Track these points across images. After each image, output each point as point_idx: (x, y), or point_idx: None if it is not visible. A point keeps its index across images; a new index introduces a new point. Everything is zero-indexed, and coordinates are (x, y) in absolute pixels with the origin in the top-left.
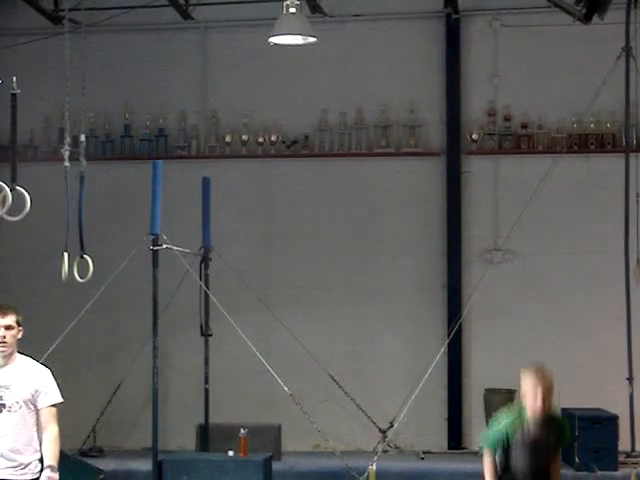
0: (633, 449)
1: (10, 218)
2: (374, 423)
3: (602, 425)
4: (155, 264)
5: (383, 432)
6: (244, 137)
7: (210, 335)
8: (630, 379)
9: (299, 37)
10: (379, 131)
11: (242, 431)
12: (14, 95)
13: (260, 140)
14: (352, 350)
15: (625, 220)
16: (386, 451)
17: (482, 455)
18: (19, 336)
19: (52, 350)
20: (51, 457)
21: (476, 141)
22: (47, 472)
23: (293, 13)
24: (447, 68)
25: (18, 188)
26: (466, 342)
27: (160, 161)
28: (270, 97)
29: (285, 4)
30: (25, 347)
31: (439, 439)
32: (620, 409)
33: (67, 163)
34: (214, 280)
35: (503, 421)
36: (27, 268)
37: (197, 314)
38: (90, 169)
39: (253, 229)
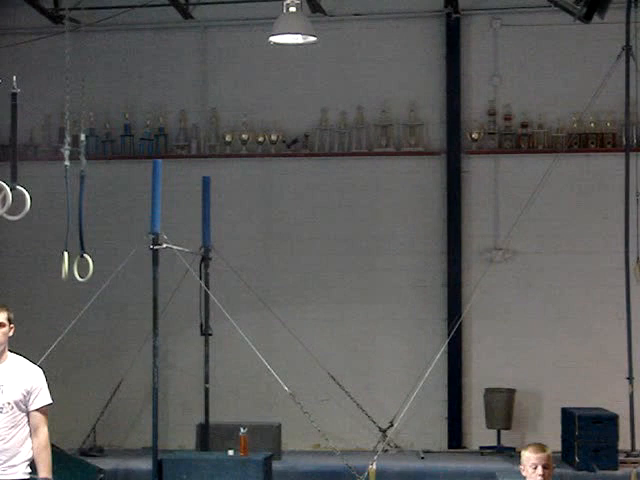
0: (633, 448)
1: (10, 217)
2: (374, 422)
3: (602, 424)
4: (155, 263)
5: (383, 431)
6: (244, 136)
7: (210, 334)
8: (630, 378)
9: (299, 36)
10: (379, 130)
11: (242, 430)
12: (14, 94)
13: (260, 139)
14: (352, 350)
15: (625, 219)
16: (386, 450)
17: None
18: (10, 334)
19: (52, 349)
20: (44, 467)
21: (476, 140)
22: None
23: (293, 12)
24: (447, 67)
25: (18, 187)
26: (466, 342)
27: (160, 160)
28: (270, 96)
29: (285, 3)
30: (25, 346)
31: (439, 438)
32: (620, 408)
33: (67, 162)
34: (214, 279)
35: None
36: (27, 267)
37: (197, 313)
38: (90, 168)
39: (253, 228)
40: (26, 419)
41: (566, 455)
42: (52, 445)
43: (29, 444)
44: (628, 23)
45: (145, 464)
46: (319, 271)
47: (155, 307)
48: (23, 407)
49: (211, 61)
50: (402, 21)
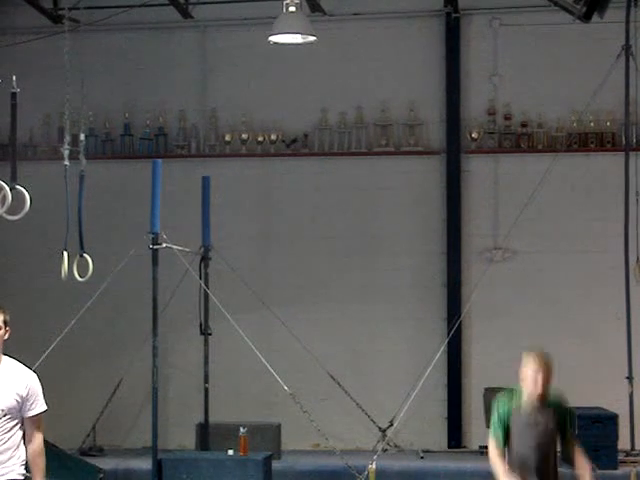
0: (633, 448)
1: (10, 217)
2: (374, 422)
3: (602, 424)
4: (155, 263)
5: (383, 431)
6: (244, 136)
7: (210, 334)
8: (630, 378)
9: (299, 36)
10: (379, 130)
11: (242, 430)
12: (14, 94)
13: (260, 139)
14: (352, 349)
15: (625, 219)
16: (386, 450)
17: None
18: (6, 337)
19: (52, 349)
20: (39, 474)
21: (476, 140)
22: None
23: (293, 12)
24: (447, 67)
25: (18, 187)
26: (466, 341)
27: (160, 160)
28: (270, 96)
29: (285, 3)
30: (25, 346)
31: (439, 438)
32: (620, 408)
33: (67, 162)
34: (214, 279)
35: (501, 406)
36: (27, 267)
37: (197, 313)
38: (90, 168)
39: (253, 228)
40: (20, 424)
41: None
42: (52, 445)
43: (23, 448)
44: (628, 22)
45: (145, 464)
46: (319, 271)
47: (155, 307)
48: (17, 414)
49: (211, 61)
50: (402, 21)
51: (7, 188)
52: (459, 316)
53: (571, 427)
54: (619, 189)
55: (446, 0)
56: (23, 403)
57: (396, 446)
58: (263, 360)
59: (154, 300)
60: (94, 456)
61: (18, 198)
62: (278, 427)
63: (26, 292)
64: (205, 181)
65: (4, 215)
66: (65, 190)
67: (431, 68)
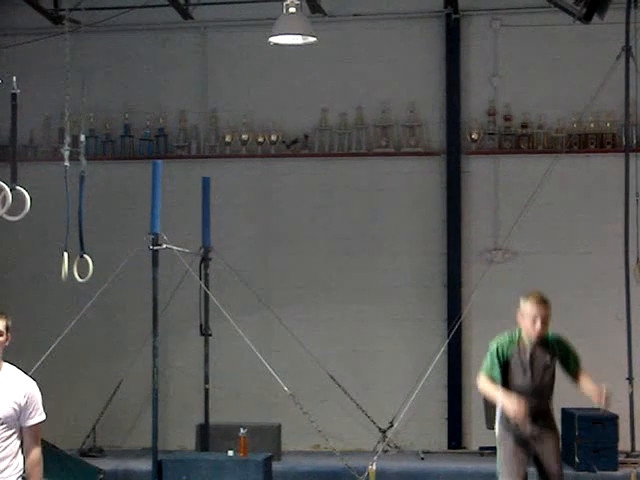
0: (633, 449)
1: (10, 218)
2: (374, 423)
3: (602, 425)
4: (155, 264)
5: (383, 432)
6: (244, 137)
7: (210, 335)
8: (630, 379)
9: (299, 37)
10: (379, 131)
11: (242, 431)
12: (14, 95)
13: (260, 140)
14: (352, 350)
15: (625, 220)
16: (386, 451)
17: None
18: (6, 343)
19: (52, 349)
20: None
21: (476, 141)
22: None
23: (293, 13)
24: (447, 68)
25: (18, 188)
26: (466, 342)
27: (160, 161)
28: (270, 97)
29: (285, 4)
30: (25, 347)
31: (439, 439)
32: (620, 409)
33: (67, 163)
34: (214, 280)
35: (499, 346)
36: (27, 267)
37: (197, 314)
38: (90, 169)
39: (253, 229)
40: (17, 434)
41: (566, 455)
42: (52, 445)
43: (20, 458)
44: (628, 23)
45: (145, 464)
46: (319, 271)
47: (155, 307)
48: (14, 423)
49: (211, 61)
50: (402, 21)
51: (7, 189)
52: (459, 317)
53: (575, 361)
54: (619, 190)
55: (446, 1)
56: (21, 412)
57: (396, 447)
58: (263, 361)
59: (154, 300)
60: (94, 457)
61: (18, 199)
62: (278, 428)
63: (26, 292)
64: (205, 182)
65: (4, 216)
66: (65, 191)
67: (431, 69)
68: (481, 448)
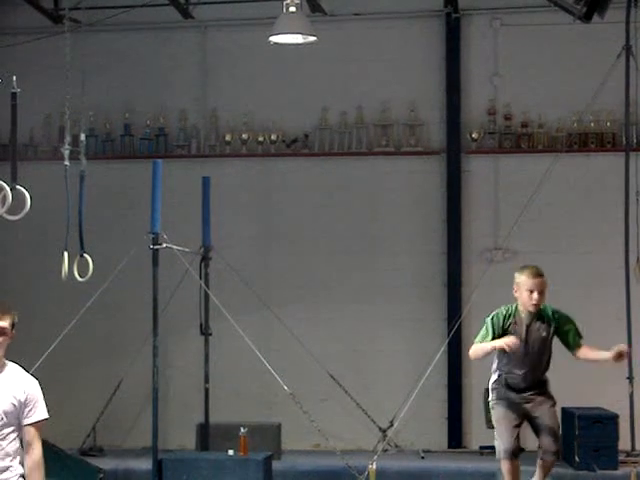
0: (633, 448)
1: (10, 217)
2: (374, 422)
3: (602, 424)
4: (155, 263)
5: (383, 431)
6: (244, 136)
7: (210, 334)
8: (630, 378)
9: (299, 36)
10: (379, 130)
11: (242, 430)
12: (14, 94)
13: (260, 139)
14: (352, 349)
15: (625, 219)
16: (386, 450)
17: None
18: (10, 341)
19: (52, 349)
20: None
21: (476, 140)
22: None
23: (293, 12)
24: (447, 67)
25: (18, 187)
26: (466, 341)
27: (160, 160)
28: (270, 96)
29: (285, 3)
30: (25, 346)
31: (439, 438)
32: (620, 408)
33: (67, 162)
34: (214, 279)
35: (495, 319)
36: (27, 267)
37: (197, 313)
38: (90, 168)
39: (253, 228)
40: (18, 433)
41: (566, 455)
42: (52, 445)
43: (21, 460)
44: (628, 23)
45: (145, 464)
46: (319, 271)
47: (155, 307)
48: (14, 420)
49: (211, 61)
50: (402, 21)
51: (7, 188)
52: (459, 316)
53: (575, 334)
54: (619, 189)
55: (446, 0)
56: (21, 409)
57: (396, 446)
58: (263, 360)
59: (154, 300)
60: (94, 456)
61: (18, 198)
62: (278, 427)
63: (26, 292)
64: (205, 181)
65: (4, 215)
66: (65, 190)
67: (431, 68)
68: (481, 447)
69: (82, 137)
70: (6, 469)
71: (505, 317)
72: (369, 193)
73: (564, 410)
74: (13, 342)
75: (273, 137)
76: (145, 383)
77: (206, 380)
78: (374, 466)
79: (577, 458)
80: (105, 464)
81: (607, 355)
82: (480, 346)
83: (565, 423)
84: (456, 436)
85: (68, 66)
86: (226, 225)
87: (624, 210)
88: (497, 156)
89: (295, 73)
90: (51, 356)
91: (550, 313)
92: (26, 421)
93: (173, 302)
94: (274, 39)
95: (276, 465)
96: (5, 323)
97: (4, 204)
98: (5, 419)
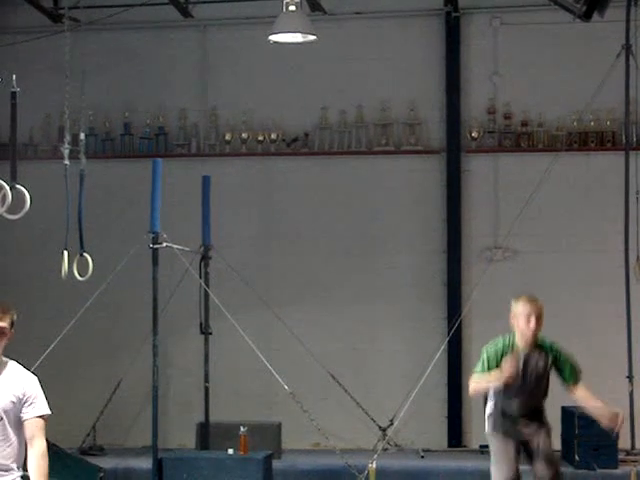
0: (633, 447)
1: (10, 216)
2: (374, 421)
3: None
4: (155, 262)
5: (383, 430)
6: (244, 135)
7: (210, 333)
8: (630, 377)
9: (299, 35)
10: (379, 129)
11: (242, 429)
12: (14, 93)
13: (260, 138)
14: (352, 348)
15: (625, 218)
16: (386, 449)
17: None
18: (9, 340)
19: (52, 349)
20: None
21: (476, 139)
22: None
23: (293, 11)
24: (447, 66)
25: (18, 186)
26: (466, 340)
27: (160, 159)
28: (270, 95)
29: (285, 2)
30: (25, 346)
31: (439, 437)
32: (620, 407)
33: (67, 161)
34: (214, 278)
35: (492, 350)
36: (27, 267)
37: (197, 312)
38: (90, 167)
39: (253, 227)
40: (18, 432)
41: (566, 454)
42: (52, 444)
43: (23, 458)
44: (628, 22)
45: (145, 463)
46: (319, 270)
47: (155, 306)
48: (14, 417)
49: (211, 60)
50: (402, 20)
51: (7, 187)
52: (459, 315)
53: (572, 372)
54: (619, 188)
55: None
56: (22, 405)
57: (396, 445)
58: (263, 359)
59: (154, 300)
60: (94, 455)
61: (18, 197)
62: (278, 426)
63: (26, 292)
64: (205, 180)
65: (4, 214)
66: (65, 189)
67: (431, 67)
68: (481, 446)
69: (82, 136)
70: (7, 470)
71: (502, 350)
72: (369, 192)
73: (564, 409)
74: (13, 342)
75: (273, 136)
76: (145, 382)
77: (206, 379)
78: (374, 465)
79: (577, 457)
80: (105, 463)
81: (601, 415)
82: (477, 382)
83: (565, 422)
84: (456, 435)
85: (68, 65)
86: (226, 224)
87: (624, 209)
88: (497, 155)
89: (295, 72)
90: (51, 355)
91: (548, 344)
92: (26, 416)
93: (173, 301)
94: (274, 38)
95: (276, 464)
96: (4, 323)
97: (4, 203)
98: (6, 417)
